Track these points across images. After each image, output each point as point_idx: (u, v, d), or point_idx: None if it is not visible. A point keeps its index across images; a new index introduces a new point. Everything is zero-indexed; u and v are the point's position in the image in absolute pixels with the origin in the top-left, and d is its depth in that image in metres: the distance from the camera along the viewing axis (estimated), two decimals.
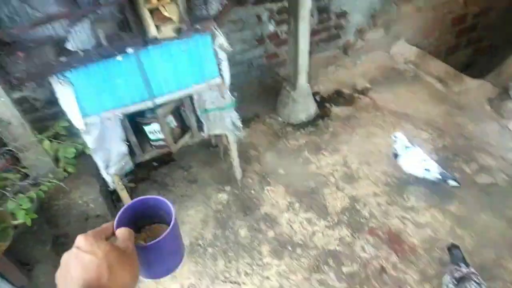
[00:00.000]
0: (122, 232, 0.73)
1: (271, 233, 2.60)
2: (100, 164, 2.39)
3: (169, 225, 0.79)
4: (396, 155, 2.63)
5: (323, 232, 2.55)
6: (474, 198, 2.63)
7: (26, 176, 2.14)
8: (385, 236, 2.45)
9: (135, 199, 0.83)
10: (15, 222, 1.93)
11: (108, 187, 2.56)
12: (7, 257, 2.07)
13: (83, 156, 2.37)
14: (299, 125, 3.44)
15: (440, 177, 2.51)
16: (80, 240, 0.69)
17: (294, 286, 2.27)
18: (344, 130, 3.32)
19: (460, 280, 1.88)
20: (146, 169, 3.27)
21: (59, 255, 2.39)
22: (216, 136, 2.94)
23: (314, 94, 3.58)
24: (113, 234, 0.73)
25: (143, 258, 0.75)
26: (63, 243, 2.73)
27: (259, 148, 3.31)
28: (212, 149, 3.31)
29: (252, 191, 2.93)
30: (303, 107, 3.42)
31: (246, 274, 2.38)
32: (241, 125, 2.62)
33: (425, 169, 2.53)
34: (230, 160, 2.91)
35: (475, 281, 1.85)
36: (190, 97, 2.36)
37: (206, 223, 2.75)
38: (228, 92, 2.40)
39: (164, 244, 0.77)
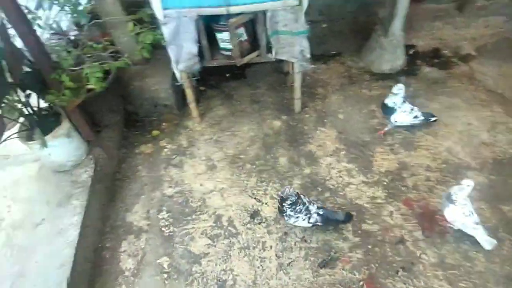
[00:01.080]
0: None
1: (307, 170, 2.64)
2: (172, 58, 2.57)
3: None
4: None
5: (358, 186, 2.51)
6: None
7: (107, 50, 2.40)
8: (419, 211, 2.34)
9: None
10: (88, 86, 2.23)
11: (177, 82, 2.76)
12: (80, 114, 2.45)
13: (163, 51, 2.56)
14: (378, 75, 3.22)
15: None
16: None
17: None
18: (425, 93, 3.02)
19: None
20: (218, 78, 3.42)
21: (126, 127, 2.77)
22: (288, 63, 2.90)
23: (408, 47, 3.25)
24: None
25: None
26: (132, 119, 3.12)
27: (328, 88, 3.21)
28: (283, 75, 3.31)
29: (305, 127, 2.93)
30: (389, 57, 3.15)
31: (272, 197, 2.51)
32: (309, 56, 2.54)
33: None
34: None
35: None
36: (265, 15, 2.32)
37: (254, 142, 2.88)
38: (304, 17, 2.30)
39: None
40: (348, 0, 3.49)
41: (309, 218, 2.17)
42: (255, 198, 2.52)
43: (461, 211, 2.07)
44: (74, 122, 2.42)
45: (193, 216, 2.47)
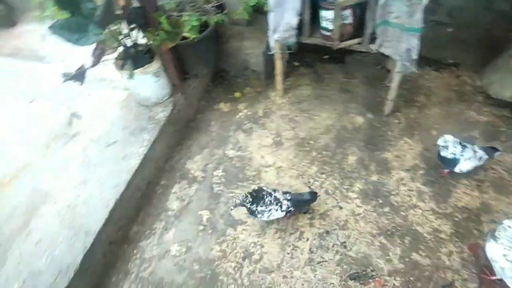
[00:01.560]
0: None
1: (374, 178, 2.44)
2: (270, 26, 2.53)
3: None
4: None
5: (424, 212, 2.24)
6: None
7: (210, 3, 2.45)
8: (483, 263, 2.01)
9: None
10: (184, 33, 2.32)
11: (270, 51, 2.73)
12: (172, 57, 2.57)
13: (265, 17, 2.53)
14: (494, 100, 2.77)
15: None
16: None
17: (358, 231, 2.19)
18: None
19: None
20: (315, 58, 3.30)
21: (212, 82, 2.85)
22: (391, 59, 2.65)
23: None
24: None
25: None
26: (219, 76, 3.20)
27: (431, 98, 2.87)
28: (385, 72, 3.05)
29: (389, 132, 2.69)
30: None
31: (327, 192, 2.39)
32: (415, 58, 2.27)
33: None
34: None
35: None
36: (377, 1, 2.12)
37: (328, 131, 2.74)
38: (421, 14, 2.04)
39: None
40: (487, 8, 3.01)
41: (281, 206, 2.08)
42: (309, 187, 2.43)
43: (501, 252, 1.77)
44: (164, 64, 2.56)
45: (244, 183, 2.48)
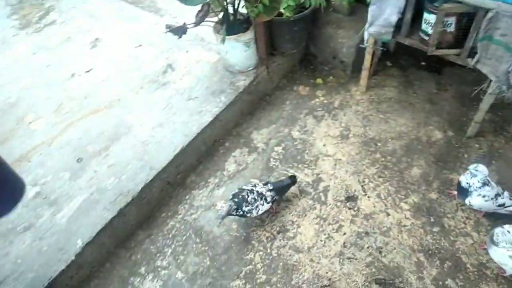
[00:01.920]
0: None
1: (433, 195, 2.33)
2: (368, 18, 2.49)
3: None
4: None
5: (476, 244, 2.10)
6: None
7: None
8: None
9: None
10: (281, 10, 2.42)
11: (362, 43, 2.70)
12: (264, 31, 2.70)
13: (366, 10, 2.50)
14: None
15: None
16: None
17: (398, 241, 2.14)
18: None
19: None
20: (411, 62, 3.16)
21: (298, 63, 2.92)
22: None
23: None
24: None
25: None
26: (306, 59, 3.26)
27: None
28: (481, 93, 2.81)
29: (465, 155, 2.52)
30: None
31: (378, 195, 2.35)
32: None
33: None
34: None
35: None
36: (486, 14, 1.97)
37: (400, 138, 2.66)
38: None
39: None
40: None
41: (266, 199, 2.13)
42: (362, 186, 2.42)
43: (507, 254, 1.85)
44: (256, 36, 2.70)
45: (299, 165, 2.55)
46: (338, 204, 2.35)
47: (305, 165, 2.56)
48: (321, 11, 2.78)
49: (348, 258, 2.11)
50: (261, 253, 2.17)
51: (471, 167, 2.08)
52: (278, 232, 2.24)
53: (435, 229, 2.19)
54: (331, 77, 3.14)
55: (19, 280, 1.89)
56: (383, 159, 2.56)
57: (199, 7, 2.40)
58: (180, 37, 2.41)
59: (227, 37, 2.53)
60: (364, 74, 2.88)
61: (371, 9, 2.43)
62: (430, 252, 2.10)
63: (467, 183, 2.08)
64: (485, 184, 2.05)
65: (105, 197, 2.19)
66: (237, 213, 2.08)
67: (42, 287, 1.85)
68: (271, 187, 2.20)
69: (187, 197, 2.46)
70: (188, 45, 3.13)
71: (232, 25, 2.57)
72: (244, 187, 2.18)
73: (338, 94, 3.02)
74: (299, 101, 2.99)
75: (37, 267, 1.93)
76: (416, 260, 2.07)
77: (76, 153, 2.47)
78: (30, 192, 2.27)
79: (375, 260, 2.09)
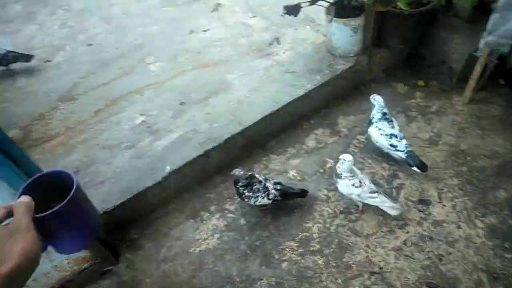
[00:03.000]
0: (17, 206, 0.66)
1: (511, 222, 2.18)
2: (488, 26, 2.38)
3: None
4: None
5: None
6: None
7: None
8: None
9: (40, 174, 0.77)
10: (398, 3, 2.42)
11: (476, 52, 2.57)
12: (375, 21, 2.72)
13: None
14: None
15: None
16: None
17: (462, 255, 2.07)
18: None
19: None
20: None
21: (404, 61, 2.88)
22: None
23: None
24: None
25: (46, 231, 0.69)
26: (413, 59, 3.18)
27: None
28: None
29: None
30: None
31: (454, 207, 2.27)
32: None
33: None
34: None
35: None
36: None
37: (493, 157, 2.50)
38: None
39: (64, 215, 0.70)
40: None
41: (268, 195, 2.16)
42: (438, 192, 2.35)
43: (351, 183, 2.11)
44: (366, 24, 2.73)
45: (378, 158, 2.56)
46: (409, 203, 2.32)
47: (384, 160, 2.56)
48: (440, 12, 2.70)
49: (406, 255, 2.10)
50: (320, 225, 2.26)
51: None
52: (341, 212, 2.31)
53: (508, 255, 2.06)
54: (434, 82, 3.04)
55: (115, 184, 2.26)
56: (469, 173, 2.44)
57: None
58: (296, 16, 2.54)
59: (336, 19, 2.61)
60: (471, 85, 2.74)
61: (494, 17, 2.31)
62: (495, 275, 1.99)
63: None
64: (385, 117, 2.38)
65: (197, 137, 2.46)
66: (240, 188, 2.16)
67: (131, 195, 2.19)
68: (278, 187, 2.20)
69: (264, 158, 2.64)
70: (298, 23, 3.27)
71: (344, 8, 2.64)
72: (257, 175, 2.21)
73: (437, 100, 2.92)
74: (394, 97, 2.96)
75: (130, 178, 2.29)
76: (477, 278, 1.98)
77: (181, 97, 2.80)
78: (137, 119, 2.66)
79: (432, 265, 2.05)
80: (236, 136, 2.46)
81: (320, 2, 2.63)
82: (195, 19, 3.56)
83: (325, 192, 2.41)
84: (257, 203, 2.20)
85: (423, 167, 2.31)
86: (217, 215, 2.35)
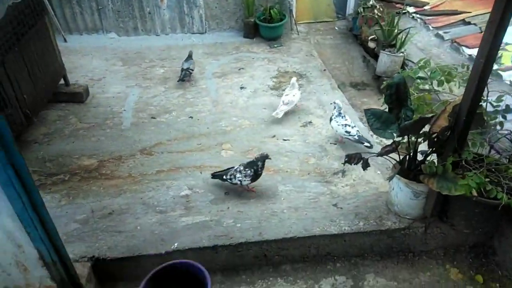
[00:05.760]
0: None
1: None
2: None
3: None
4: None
5: None
6: None
7: None
8: None
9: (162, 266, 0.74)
10: None
11: None
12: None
13: None
14: None
15: None
16: None
17: None
18: None
19: None
20: None
21: (470, 254, 2.65)
22: None
23: None
24: None
25: None
26: (483, 249, 2.79)
27: None
28: None
29: None
30: None
31: None
32: None
33: None
34: None
35: None
36: None
37: None
38: None
39: None
40: None
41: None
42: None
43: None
44: (429, 193, 2.57)
45: None
46: None
47: None
48: None
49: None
50: None
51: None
52: None
53: None
54: (497, 285, 2.57)
55: (128, 238, 2.46)
56: None
57: (388, 141, 2.54)
58: (364, 169, 2.55)
59: (399, 177, 2.54)
60: None
61: None
62: None
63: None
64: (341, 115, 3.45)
65: (217, 229, 2.56)
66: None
67: (132, 254, 2.34)
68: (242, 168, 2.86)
69: (270, 278, 2.53)
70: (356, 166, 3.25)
71: (409, 169, 2.56)
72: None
73: None
74: (441, 282, 2.59)
75: (143, 239, 2.46)
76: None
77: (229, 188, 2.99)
78: (183, 191, 2.92)
79: None
80: (249, 244, 2.47)
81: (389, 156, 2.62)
82: (283, 128, 3.85)
83: None
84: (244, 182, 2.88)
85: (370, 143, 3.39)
86: None
